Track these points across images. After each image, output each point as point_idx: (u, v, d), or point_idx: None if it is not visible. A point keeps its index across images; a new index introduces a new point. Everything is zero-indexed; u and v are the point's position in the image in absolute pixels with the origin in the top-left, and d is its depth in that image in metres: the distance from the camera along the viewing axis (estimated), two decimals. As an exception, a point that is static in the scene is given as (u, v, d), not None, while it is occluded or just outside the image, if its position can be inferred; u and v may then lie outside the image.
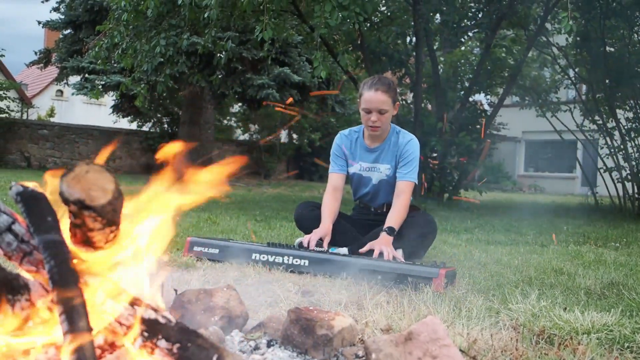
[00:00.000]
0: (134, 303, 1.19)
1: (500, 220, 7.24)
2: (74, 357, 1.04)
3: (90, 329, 1.07)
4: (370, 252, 3.25)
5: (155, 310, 1.19)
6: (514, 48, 10.75)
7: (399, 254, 3.29)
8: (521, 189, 24.46)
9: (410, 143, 3.56)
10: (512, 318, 2.25)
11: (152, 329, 1.17)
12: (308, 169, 22.73)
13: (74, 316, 1.07)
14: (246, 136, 23.81)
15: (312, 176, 22.41)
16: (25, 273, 1.19)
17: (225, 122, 24.01)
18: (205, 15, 6.80)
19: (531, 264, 3.75)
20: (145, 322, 1.17)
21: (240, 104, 19.19)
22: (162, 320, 1.18)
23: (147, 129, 20.88)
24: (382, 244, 3.26)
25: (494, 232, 5.88)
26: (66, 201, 1.10)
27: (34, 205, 1.18)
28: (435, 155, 9.93)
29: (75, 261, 1.14)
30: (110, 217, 1.14)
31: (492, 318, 2.24)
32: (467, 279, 3.13)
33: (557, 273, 3.48)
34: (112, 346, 1.21)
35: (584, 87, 12.43)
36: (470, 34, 11.39)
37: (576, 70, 11.73)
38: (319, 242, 3.34)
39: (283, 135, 23.53)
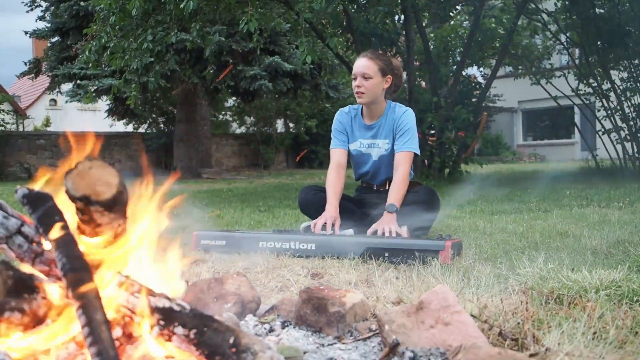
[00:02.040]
0: (147, 293, 1.21)
1: (503, 191, 7.26)
2: (94, 350, 1.06)
3: (107, 322, 1.09)
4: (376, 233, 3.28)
5: (169, 299, 1.21)
6: (503, 17, 10.70)
7: (404, 230, 3.31)
8: (521, 159, 24.47)
9: (405, 114, 3.58)
10: (520, 282, 2.27)
11: (168, 317, 1.19)
12: (307, 156, 22.72)
13: (91, 310, 1.09)
14: (242, 129, 23.78)
15: (312, 164, 22.41)
16: (39, 273, 1.21)
17: (220, 117, 23.99)
18: (182, 6, 6.75)
19: (536, 230, 3.77)
20: (160, 310, 1.19)
21: (234, 97, 19.16)
22: (176, 308, 1.20)
23: (143, 130, 20.87)
24: (385, 222, 3.28)
25: (497, 202, 5.90)
26: (72, 198, 1.12)
27: (41, 206, 1.20)
28: (432, 132, 9.94)
29: (86, 257, 1.16)
30: (116, 210, 1.16)
31: (501, 284, 2.27)
32: (474, 249, 3.16)
33: (562, 236, 3.51)
34: (129, 337, 1.23)
35: (577, 51, 12.39)
36: (458, 7, 11.35)
37: (567, 34, 11.70)
38: (325, 226, 3.35)
39: (279, 125, 23.51)
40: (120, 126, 21.65)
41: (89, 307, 1.09)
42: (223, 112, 23.76)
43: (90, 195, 1.10)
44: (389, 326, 1.51)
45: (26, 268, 1.21)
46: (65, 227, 1.18)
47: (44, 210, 1.20)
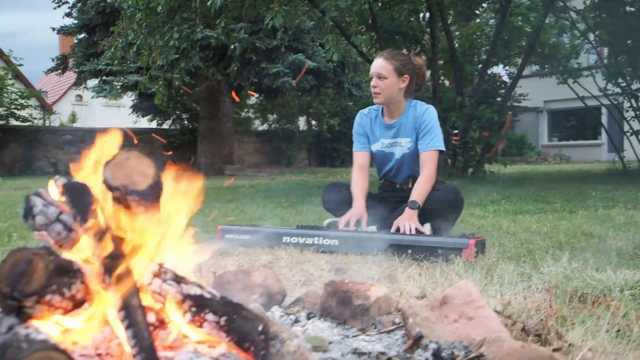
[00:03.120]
0: (180, 281, 1.25)
1: (527, 191, 7.23)
2: (130, 333, 1.11)
3: (142, 307, 1.14)
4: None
5: (201, 287, 1.25)
6: (530, 15, 10.61)
7: (427, 228, 3.32)
8: (546, 159, 24.22)
9: (427, 112, 3.59)
10: (544, 281, 2.28)
11: (199, 304, 1.23)
12: (329, 155, 22.75)
13: (127, 295, 1.13)
14: (265, 126, 23.89)
15: (334, 162, 22.43)
16: (77, 259, 1.25)
17: (243, 114, 24.11)
18: (208, 4, 6.82)
19: (560, 230, 3.76)
20: (192, 298, 1.23)
21: (257, 94, 19.26)
22: (207, 296, 1.24)
23: (167, 127, 21.06)
24: (405, 219, 3.30)
25: (521, 202, 5.88)
26: (110, 188, 1.16)
27: (78, 195, 1.24)
28: (455, 131, 9.90)
29: (122, 244, 1.20)
30: (151, 200, 1.20)
31: (524, 282, 2.27)
32: (497, 247, 3.16)
33: (587, 237, 3.49)
34: (162, 323, 1.27)
35: (605, 50, 12.24)
36: (484, 5, 11.28)
37: (596, 33, 11.55)
38: (357, 223, 3.38)
39: (301, 123, 23.56)
40: (144, 122, 21.88)
41: (125, 292, 1.13)
42: (246, 109, 23.88)
43: (128, 184, 1.14)
44: (413, 319, 1.54)
45: (65, 254, 1.26)
46: (101, 215, 1.23)
47: (81, 199, 1.24)
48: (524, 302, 1.87)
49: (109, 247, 1.17)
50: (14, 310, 1.15)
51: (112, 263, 1.15)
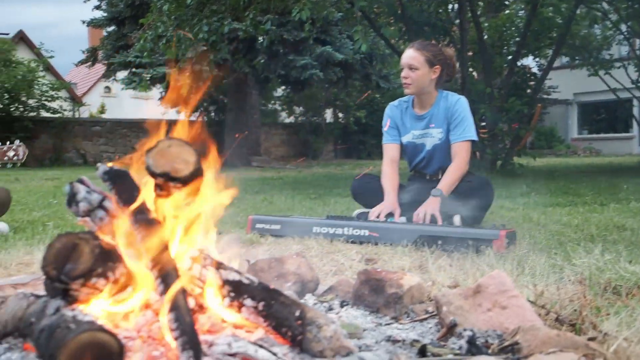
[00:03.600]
0: (218, 267, 1.27)
1: (557, 184, 7.15)
2: (171, 316, 1.13)
3: (184, 291, 1.17)
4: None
5: (239, 273, 1.28)
6: (561, 6, 10.44)
7: (457, 219, 3.32)
8: (576, 153, 23.87)
9: (458, 102, 3.57)
10: (576, 273, 2.26)
11: (238, 290, 1.25)
12: (356, 147, 22.71)
13: (169, 279, 1.16)
14: (291, 119, 23.92)
15: (361, 154, 22.38)
16: (120, 244, 1.29)
17: (270, 106, 24.18)
18: None
19: (592, 222, 3.72)
20: (230, 283, 1.26)
21: (283, 87, 19.30)
22: (245, 281, 1.26)
23: (194, 119, 21.20)
24: (425, 206, 3.30)
25: (551, 195, 5.82)
26: (153, 174, 1.19)
27: (121, 182, 1.28)
28: (483, 124, 9.81)
29: (163, 230, 1.23)
30: (192, 187, 1.23)
31: (556, 274, 2.26)
32: (528, 239, 3.14)
33: (619, 229, 3.45)
34: (201, 307, 1.30)
35: (638, 42, 12.01)
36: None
37: (628, 24, 11.33)
38: (389, 215, 3.38)
39: (328, 115, 23.55)
40: (172, 114, 22.03)
41: (167, 276, 1.16)
42: (272, 101, 23.94)
43: (170, 171, 1.17)
44: (447, 307, 1.55)
45: (108, 239, 1.29)
46: (143, 202, 1.26)
47: (123, 186, 1.27)
48: (557, 293, 1.86)
49: (151, 232, 1.20)
50: (60, 293, 1.19)
51: (154, 248, 1.18)
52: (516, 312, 1.54)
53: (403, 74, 3.51)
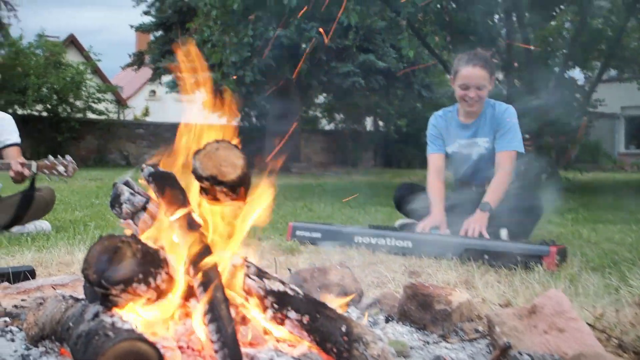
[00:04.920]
0: (262, 276, 1.21)
1: (605, 200, 6.92)
2: (213, 327, 1.08)
3: (226, 300, 1.11)
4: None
5: (284, 283, 1.22)
6: (611, 18, 10.16)
7: (503, 233, 3.21)
8: (623, 168, 23.22)
9: (506, 112, 3.46)
10: (634, 295, 2.14)
11: (282, 301, 1.19)
12: (395, 156, 22.51)
13: (211, 288, 1.11)
14: (331, 126, 23.88)
15: (400, 163, 22.19)
16: (162, 249, 1.24)
17: (310, 112, 24.19)
18: (285, 2, 6.85)
19: (647, 242, 3.56)
20: (274, 294, 1.20)
21: (324, 94, 19.28)
22: (290, 293, 1.20)
23: (235, 124, 21.34)
24: (473, 221, 3.19)
25: (600, 210, 5.63)
26: (199, 177, 1.14)
27: (166, 185, 1.23)
28: (527, 136, 9.58)
29: (207, 236, 1.18)
30: (239, 192, 1.17)
31: (612, 295, 2.15)
32: (579, 257, 3.01)
33: (677, 250, 3.29)
34: (244, 318, 1.24)
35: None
36: (562, 6, 10.88)
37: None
38: (434, 228, 3.29)
39: (369, 123, 23.44)
40: (214, 119, 22.21)
41: (209, 284, 1.11)
42: (313, 108, 23.95)
43: (217, 175, 1.12)
44: (500, 328, 1.46)
45: (151, 244, 1.24)
46: (187, 206, 1.21)
47: (168, 188, 1.23)
48: (616, 316, 1.75)
49: (194, 238, 1.15)
50: (99, 297, 1.15)
51: (197, 255, 1.13)
52: (575, 335, 1.44)
53: (471, 93, 3.37)
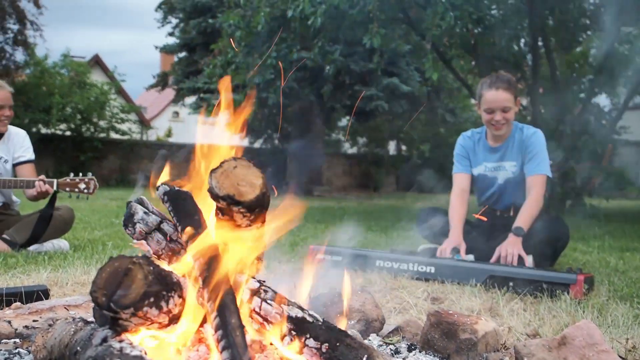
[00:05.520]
0: (280, 301, 1.16)
1: (632, 227, 6.77)
2: (226, 355, 1.03)
3: (242, 326, 1.06)
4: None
5: (302, 309, 1.16)
6: (638, 44, 10.03)
7: (529, 260, 3.12)
8: (648, 196, 22.78)
9: (534, 135, 3.41)
10: (665, 326, 2.05)
11: (300, 328, 1.14)
12: (418, 180, 22.36)
13: (226, 313, 1.06)
14: (354, 149, 23.85)
15: (423, 188, 22.02)
16: (176, 271, 1.19)
17: (333, 135, 24.19)
18: (309, 23, 6.88)
19: (677, 271, 3.45)
20: (293, 320, 1.14)
21: (348, 117, 19.28)
22: (309, 319, 1.15)
23: (258, 146, 21.42)
24: (508, 245, 3.11)
25: (627, 238, 5.49)
26: (216, 197, 1.09)
27: (181, 204, 1.19)
28: (552, 162, 9.45)
29: (223, 259, 1.14)
30: (257, 213, 1.13)
31: (642, 326, 2.06)
32: (607, 286, 2.92)
33: None
34: (260, 346, 1.19)
35: None
36: (589, 32, 10.79)
37: None
38: (454, 250, 3.22)
39: (391, 147, 23.36)
40: (236, 140, 22.30)
41: (225, 310, 1.06)
42: (336, 131, 23.96)
43: (234, 195, 1.07)
44: (528, 359, 1.39)
45: (164, 265, 1.20)
46: (203, 226, 1.17)
47: (183, 208, 1.19)
48: (650, 350, 1.67)
49: (210, 260, 1.11)
50: (108, 321, 1.10)
51: (212, 278, 1.08)
52: (608, 370, 1.36)
53: (497, 117, 3.33)
